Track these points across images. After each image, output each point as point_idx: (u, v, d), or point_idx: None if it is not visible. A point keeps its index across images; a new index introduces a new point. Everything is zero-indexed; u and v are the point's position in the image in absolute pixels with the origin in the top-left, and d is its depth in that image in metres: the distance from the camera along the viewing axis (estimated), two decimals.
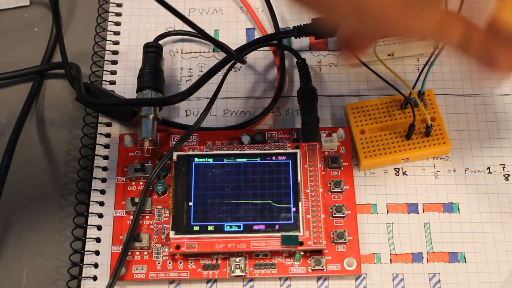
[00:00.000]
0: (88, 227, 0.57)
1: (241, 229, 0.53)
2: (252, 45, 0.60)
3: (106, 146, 0.60)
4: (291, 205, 0.54)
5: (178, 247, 0.53)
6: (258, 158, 0.55)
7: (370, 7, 0.41)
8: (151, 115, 0.58)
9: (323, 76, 0.63)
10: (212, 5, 0.67)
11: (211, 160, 0.55)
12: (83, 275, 0.55)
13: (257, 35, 0.65)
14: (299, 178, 0.54)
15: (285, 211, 0.53)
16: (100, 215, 0.57)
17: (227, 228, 0.53)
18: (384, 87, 0.61)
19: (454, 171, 0.58)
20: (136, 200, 0.55)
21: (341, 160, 0.57)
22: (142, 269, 0.54)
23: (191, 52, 0.65)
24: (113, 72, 0.64)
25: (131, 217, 0.55)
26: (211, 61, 0.64)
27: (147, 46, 0.62)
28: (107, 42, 0.65)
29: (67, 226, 0.57)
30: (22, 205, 0.59)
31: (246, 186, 0.54)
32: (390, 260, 0.55)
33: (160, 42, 0.64)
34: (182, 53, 0.65)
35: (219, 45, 0.56)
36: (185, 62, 0.64)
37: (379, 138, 0.58)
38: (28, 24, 0.68)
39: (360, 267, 0.54)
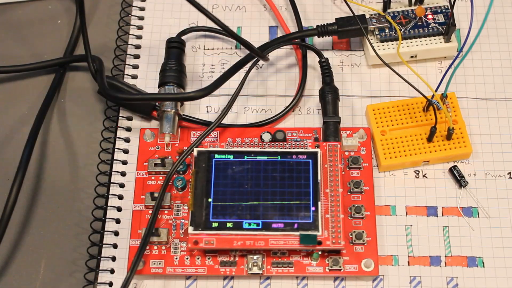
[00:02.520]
0: (106, 220, 0.57)
1: (260, 226, 0.53)
2: (275, 43, 0.61)
3: (127, 140, 0.60)
4: (311, 205, 0.53)
5: (196, 242, 0.53)
6: (279, 157, 0.55)
7: None
8: (173, 110, 0.58)
9: (345, 76, 0.63)
10: (235, 2, 0.67)
11: (231, 157, 0.55)
12: (100, 268, 0.55)
13: (279, 33, 0.65)
14: (319, 178, 0.54)
15: (304, 210, 0.53)
16: (119, 209, 0.57)
17: (245, 225, 0.53)
18: (406, 89, 0.61)
19: (475, 175, 0.58)
20: (156, 194, 0.55)
21: (361, 161, 0.57)
22: (159, 263, 0.54)
23: (213, 49, 0.65)
24: (135, 66, 0.64)
25: (150, 212, 0.55)
26: (233, 58, 0.64)
27: (169, 41, 0.62)
28: (130, 36, 0.65)
29: (86, 218, 0.58)
30: (41, 196, 0.59)
31: (265, 184, 0.54)
32: (408, 262, 0.55)
33: (183, 37, 0.64)
34: (204, 49, 0.65)
35: (242, 42, 0.56)
36: (207, 58, 0.64)
37: (400, 140, 0.58)
38: (52, 16, 0.68)
39: (378, 269, 0.54)
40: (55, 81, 0.63)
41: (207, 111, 0.62)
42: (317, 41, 0.64)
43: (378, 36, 0.61)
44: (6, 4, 0.68)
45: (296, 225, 0.53)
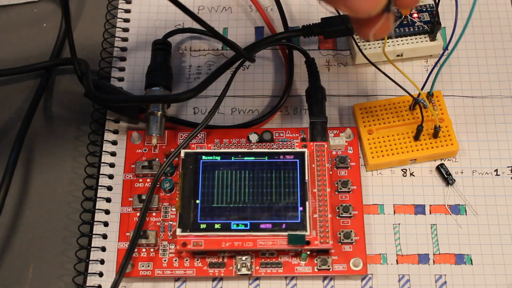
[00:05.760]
0: (94, 223, 0.57)
1: (248, 227, 0.53)
2: (261, 44, 0.61)
3: (114, 143, 0.60)
4: (298, 205, 0.53)
5: (184, 244, 0.53)
6: (266, 157, 0.55)
7: None
8: (159, 112, 0.58)
9: (332, 76, 0.63)
10: (221, 3, 0.67)
11: (218, 158, 0.55)
12: (89, 271, 0.55)
13: (266, 34, 0.65)
14: (306, 178, 0.54)
15: (292, 210, 0.53)
16: (107, 212, 0.57)
17: (234, 227, 0.53)
18: (392, 88, 0.61)
19: (462, 172, 0.58)
20: (143, 197, 0.55)
21: (349, 160, 0.57)
22: (148, 266, 0.54)
23: (199, 50, 0.65)
24: (122, 69, 0.64)
25: (138, 214, 0.55)
26: (220, 59, 0.64)
27: (155, 43, 0.62)
28: (116, 38, 0.65)
29: (74, 222, 0.57)
30: (28, 200, 0.59)
31: (253, 185, 0.54)
32: (397, 261, 0.55)
33: (169, 39, 0.63)
34: (190, 50, 0.65)
35: (228, 43, 0.56)
36: (193, 59, 0.64)
37: (387, 139, 0.58)
38: (37, 19, 0.68)
39: (366, 268, 0.54)
40: (42, 84, 0.63)
41: (194, 113, 0.62)
42: (303, 41, 0.64)
43: None
44: None
45: (284, 225, 0.53)
